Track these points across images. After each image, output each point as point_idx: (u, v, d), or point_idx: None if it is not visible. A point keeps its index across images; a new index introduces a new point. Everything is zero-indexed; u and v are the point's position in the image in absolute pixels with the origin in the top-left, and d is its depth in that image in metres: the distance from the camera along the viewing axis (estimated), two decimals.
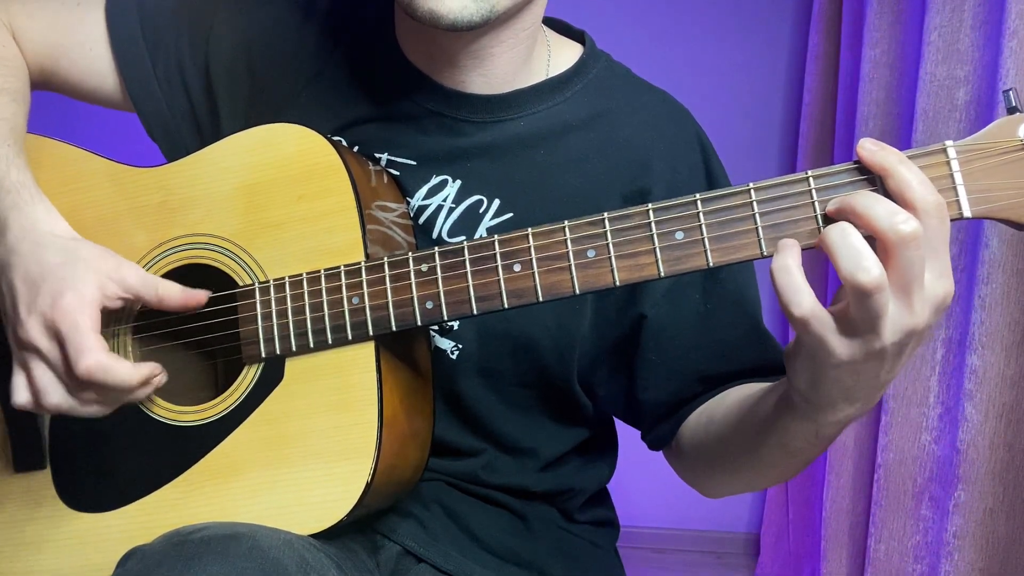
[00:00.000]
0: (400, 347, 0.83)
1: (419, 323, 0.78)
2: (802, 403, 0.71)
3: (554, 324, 0.90)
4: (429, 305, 0.77)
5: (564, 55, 0.95)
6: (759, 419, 0.79)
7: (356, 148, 0.93)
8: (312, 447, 0.80)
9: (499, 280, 0.75)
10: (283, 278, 0.82)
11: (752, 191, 0.68)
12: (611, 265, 0.71)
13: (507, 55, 0.89)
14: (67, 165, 0.93)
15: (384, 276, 0.79)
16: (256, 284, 0.83)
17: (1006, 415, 1.47)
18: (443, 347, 0.90)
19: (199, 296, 0.84)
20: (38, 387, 0.79)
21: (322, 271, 0.81)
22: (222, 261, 0.86)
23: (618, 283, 0.71)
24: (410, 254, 0.78)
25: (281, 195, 0.84)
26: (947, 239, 0.63)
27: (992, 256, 1.43)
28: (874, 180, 0.65)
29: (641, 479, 2.00)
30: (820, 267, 2.04)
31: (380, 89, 0.93)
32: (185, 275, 0.87)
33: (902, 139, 1.77)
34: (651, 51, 2.38)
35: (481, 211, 0.90)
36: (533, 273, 0.74)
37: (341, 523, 0.78)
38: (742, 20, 2.47)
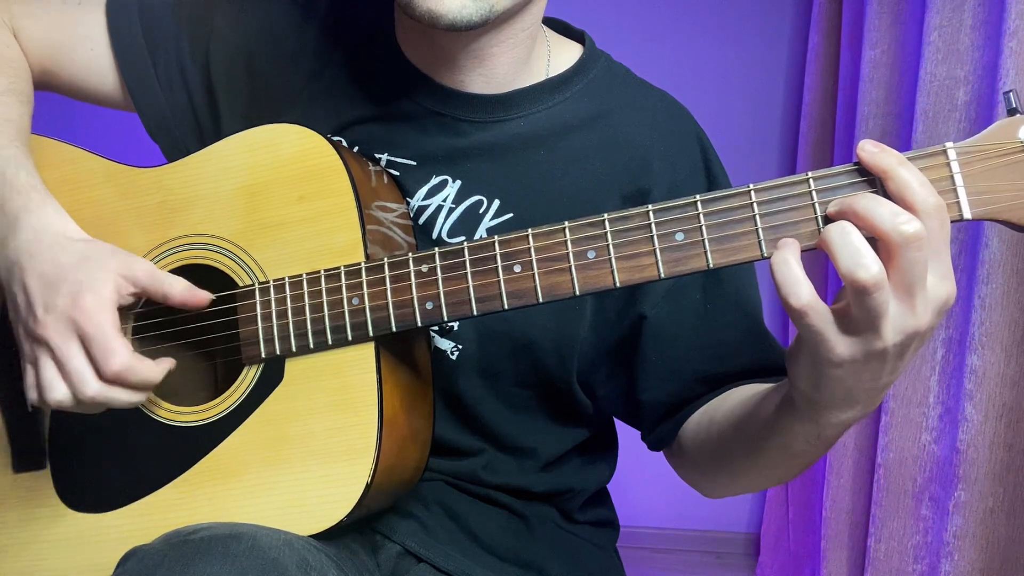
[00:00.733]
0: (400, 348, 0.83)
1: (419, 324, 0.78)
2: (804, 404, 0.71)
3: (554, 325, 0.90)
4: (429, 306, 0.77)
5: (564, 55, 0.95)
6: (761, 420, 0.79)
7: (356, 148, 0.93)
8: (312, 448, 0.80)
9: (499, 281, 0.75)
10: (283, 279, 0.82)
11: (752, 192, 0.68)
12: (611, 266, 0.71)
13: (507, 55, 0.89)
14: (67, 165, 0.93)
15: (384, 277, 0.79)
16: (256, 285, 0.83)
17: (1006, 415, 1.47)
18: (443, 348, 0.90)
19: (202, 296, 0.84)
20: (43, 382, 0.79)
21: (322, 272, 0.81)
22: (222, 261, 0.86)
23: (618, 284, 0.71)
24: (410, 255, 0.78)
25: (281, 195, 0.84)
26: (948, 240, 0.63)
27: (992, 256, 1.43)
28: (874, 182, 0.65)
29: (641, 479, 2.00)
30: (820, 267, 2.04)
31: (380, 89, 0.93)
32: (185, 275, 0.87)
33: (902, 139, 1.77)
34: (651, 51, 2.38)
35: (481, 211, 0.90)
36: (533, 274, 0.74)
37: (341, 523, 0.78)
38: (742, 20, 2.46)
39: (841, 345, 0.64)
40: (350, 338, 0.79)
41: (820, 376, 0.67)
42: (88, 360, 0.78)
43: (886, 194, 0.64)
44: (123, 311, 0.87)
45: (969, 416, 1.48)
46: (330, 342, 0.80)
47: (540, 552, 0.96)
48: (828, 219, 0.66)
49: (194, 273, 0.87)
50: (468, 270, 0.76)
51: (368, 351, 0.80)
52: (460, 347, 0.90)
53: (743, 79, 2.47)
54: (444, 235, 0.90)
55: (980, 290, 1.45)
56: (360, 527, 0.90)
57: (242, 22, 0.96)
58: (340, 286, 0.80)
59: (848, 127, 2.02)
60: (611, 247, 0.71)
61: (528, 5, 0.86)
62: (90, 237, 0.84)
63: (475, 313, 0.76)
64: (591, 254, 0.72)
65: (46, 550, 0.87)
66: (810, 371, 0.68)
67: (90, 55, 0.99)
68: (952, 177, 0.64)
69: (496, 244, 0.75)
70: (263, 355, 0.82)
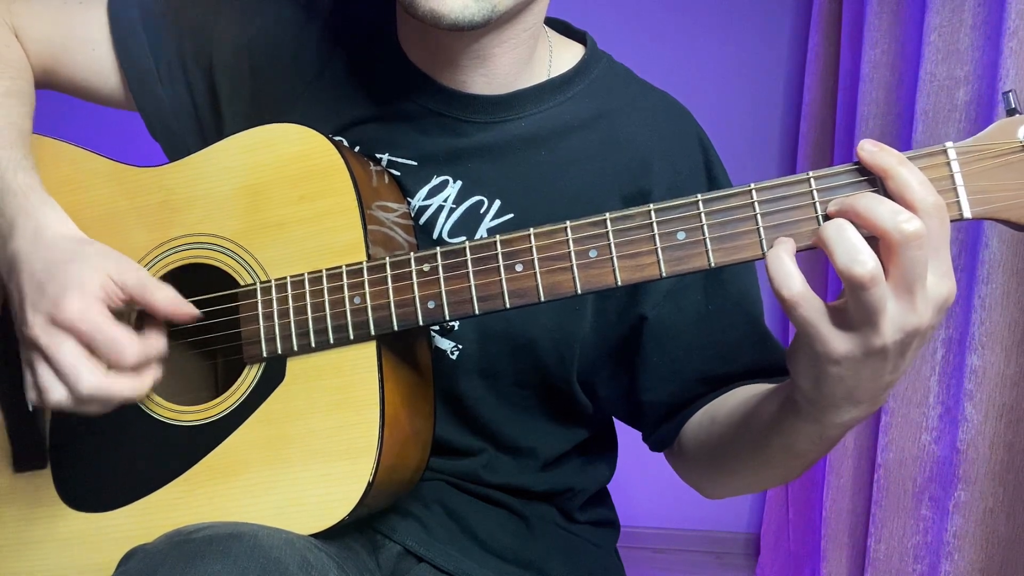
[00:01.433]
0: (401, 347, 0.83)
1: (421, 323, 0.78)
2: (806, 404, 0.71)
3: (554, 325, 0.90)
4: (431, 305, 0.77)
5: (565, 55, 0.95)
6: (763, 420, 0.79)
7: (357, 148, 0.93)
8: (313, 447, 0.80)
9: (501, 280, 0.75)
10: (284, 278, 0.82)
11: (754, 191, 0.68)
12: (613, 265, 0.71)
13: (508, 55, 0.89)
14: (67, 164, 0.93)
15: (386, 276, 0.79)
16: (257, 284, 0.83)
17: (1006, 415, 1.47)
18: (443, 347, 0.91)
19: (189, 310, 0.83)
20: (41, 385, 0.79)
21: (324, 271, 0.81)
22: (223, 261, 0.86)
23: (620, 283, 0.71)
24: (412, 254, 0.78)
25: (282, 195, 0.84)
26: (948, 239, 0.63)
27: (992, 256, 1.43)
28: (875, 181, 0.65)
29: (641, 479, 2.01)
30: (821, 267, 2.04)
31: (381, 89, 0.93)
32: (186, 275, 0.87)
33: (902, 139, 1.77)
34: (651, 51, 2.38)
35: (482, 211, 0.90)
36: (535, 273, 0.74)
37: (342, 523, 0.78)
38: (742, 20, 2.47)
39: (837, 341, 0.64)
40: (352, 337, 0.79)
41: (820, 374, 0.67)
42: (85, 357, 0.77)
43: (886, 193, 0.64)
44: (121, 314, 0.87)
45: (969, 416, 1.48)
46: (332, 341, 0.80)
47: (540, 552, 0.96)
48: (828, 218, 0.66)
49: (195, 272, 0.87)
50: (470, 269, 0.76)
51: (370, 350, 0.80)
52: (460, 347, 0.90)
53: (743, 79, 2.47)
54: (445, 235, 0.90)
55: (980, 290, 1.45)
56: (361, 527, 0.90)
57: (244, 22, 0.96)
58: (342, 285, 0.80)
59: (848, 127, 2.02)
60: (612, 246, 0.71)
61: (530, 5, 0.86)
62: (88, 238, 0.84)
63: (477, 312, 0.76)
64: (593, 253, 0.72)
65: (47, 549, 0.87)
66: (810, 369, 0.68)
67: (92, 55, 0.99)
68: (952, 176, 0.64)
69: (498, 243, 0.75)
70: (264, 354, 0.82)
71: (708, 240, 0.69)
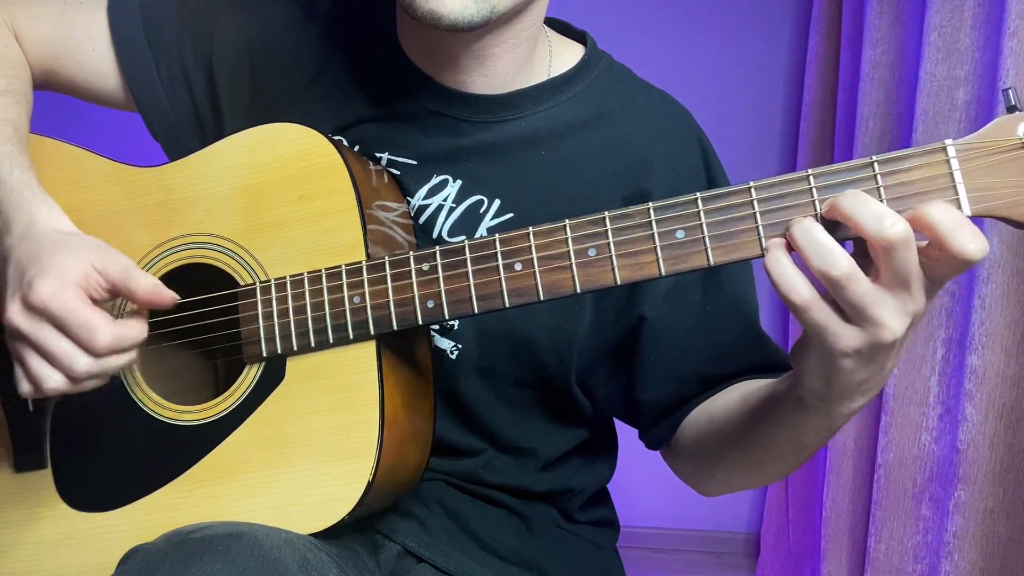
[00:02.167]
0: (401, 347, 0.83)
1: (420, 322, 0.78)
2: (815, 399, 0.71)
3: (553, 325, 0.90)
4: (430, 304, 0.77)
5: (565, 56, 0.95)
6: (768, 417, 0.80)
7: (357, 148, 0.93)
8: (313, 446, 0.80)
9: (500, 279, 0.75)
10: (284, 277, 0.82)
11: (752, 190, 0.68)
12: (612, 264, 0.71)
13: (508, 55, 0.89)
14: (68, 165, 0.93)
15: (385, 275, 0.79)
16: (257, 283, 0.83)
17: (1006, 415, 1.47)
18: (443, 347, 0.91)
19: (167, 296, 0.82)
20: (33, 374, 0.78)
21: (323, 270, 0.81)
22: (223, 260, 0.86)
23: (619, 282, 0.71)
24: (411, 253, 0.78)
25: (282, 195, 0.84)
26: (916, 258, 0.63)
27: (992, 256, 1.43)
28: (875, 179, 0.65)
29: (641, 479, 2.00)
30: None
31: (381, 89, 0.93)
32: (186, 275, 0.87)
33: (902, 139, 1.78)
34: (651, 51, 2.38)
35: (481, 211, 0.90)
36: (534, 272, 0.74)
37: (342, 522, 0.78)
38: (742, 20, 2.47)
39: (849, 336, 0.64)
40: (351, 336, 0.79)
41: (832, 369, 0.67)
42: (69, 340, 0.77)
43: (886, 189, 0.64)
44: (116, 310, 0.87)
45: (969, 416, 1.48)
46: (331, 340, 0.80)
47: (540, 552, 0.96)
48: (826, 218, 0.66)
49: (195, 272, 0.87)
50: (469, 268, 0.76)
51: (369, 349, 0.80)
52: (460, 346, 0.90)
53: (743, 79, 2.47)
54: (444, 234, 0.90)
55: (980, 290, 1.45)
56: (360, 527, 0.90)
57: (244, 21, 0.96)
58: (341, 284, 0.80)
59: (848, 127, 2.02)
60: (612, 245, 0.71)
61: (530, 5, 0.86)
62: (80, 232, 0.83)
63: (476, 311, 0.76)
64: (592, 252, 0.72)
65: (47, 549, 0.87)
66: (820, 366, 0.68)
67: (92, 55, 0.99)
68: (951, 174, 0.64)
69: (497, 242, 0.75)
70: (264, 354, 0.82)
71: (707, 239, 0.69)
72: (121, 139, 1.45)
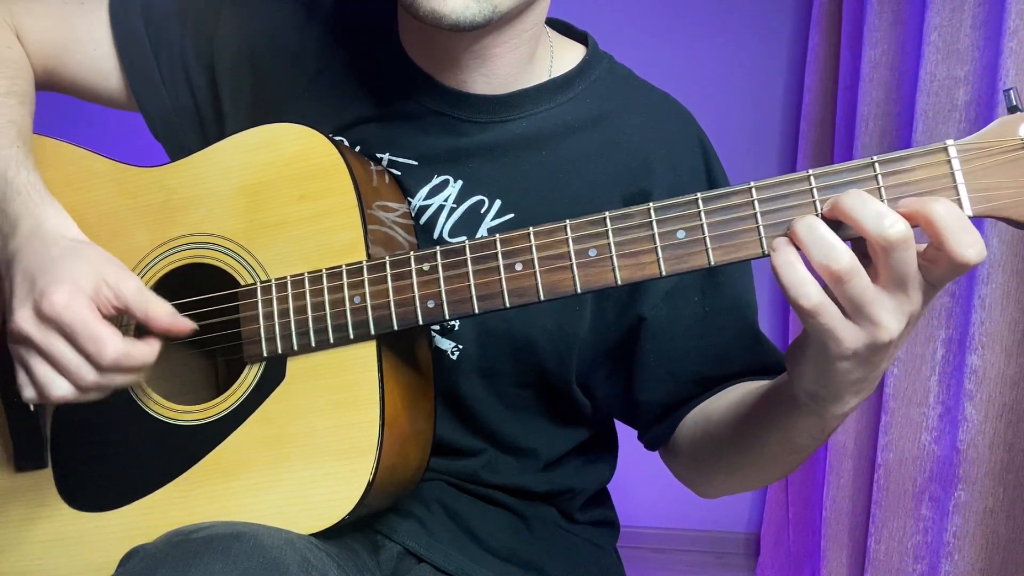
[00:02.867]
0: (401, 347, 0.83)
1: (421, 322, 0.78)
2: (809, 400, 0.71)
3: (553, 326, 0.90)
4: (431, 304, 0.77)
5: (567, 56, 0.95)
6: (761, 419, 0.80)
7: (358, 148, 0.93)
8: (314, 446, 0.80)
9: (501, 279, 0.75)
10: (285, 277, 0.82)
11: (753, 190, 0.68)
12: (612, 264, 0.71)
13: (510, 55, 0.89)
14: (69, 165, 0.93)
15: (386, 275, 0.79)
16: (258, 283, 0.83)
17: (1006, 415, 1.47)
18: (443, 347, 0.91)
19: (185, 325, 0.83)
20: (39, 381, 0.79)
21: (324, 270, 0.81)
22: (224, 260, 0.86)
23: (619, 282, 0.71)
24: (412, 253, 0.78)
25: (283, 195, 0.84)
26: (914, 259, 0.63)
27: (992, 256, 1.43)
28: (876, 179, 0.65)
29: (641, 479, 2.00)
30: None
31: (382, 89, 0.93)
32: (187, 275, 0.87)
33: (902, 139, 1.78)
34: (651, 51, 2.38)
35: (482, 211, 0.90)
36: (535, 272, 0.74)
37: (342, 522, 0.78)
38: (742, 20, 2.47)
39: (851, 337, 0.64)
40: (352, 336, 0.79)
41: (828, 371, 0.67)
42: (76, 351, 0.77)
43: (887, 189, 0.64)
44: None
45: (969, 416, 1.49)
46: (332, 340, 0.80)
47: (540, 552, 0.96)
48: (826, 218, 0.66)
49: (196, 272, 0.87)
50: (470, 268, 0.76)
51: (370, 349, 0.80)
52: (460, 347, 0.90)
53: (743, 79, 2.47)
54: (445, 235, 0.90)
55: (980, 290, 1.45)
56: (361, 527, 0.90)
57: (246, 21, 0.97)
58: (342, 284, 0.80)
59: (848, 127, 2.02)
60: (612, 245, 0.71)
61: (531, 5, 0.86)
62: (88, 239, 0.84)
63: (476, 311, 0.76)
64: (592, 252, 0.72)
65: (47, 549, 0.87)
66: (817, 369, 0.68)
67: (93, 55, 0.99)
68: (953, 174, 0.64)
69: (497, 242, 0.75)
70: (265, 354, 0.82)
71: (708, 239, 0.69)
72: (121, 139, 1.45)
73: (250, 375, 0.83)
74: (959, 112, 1.56)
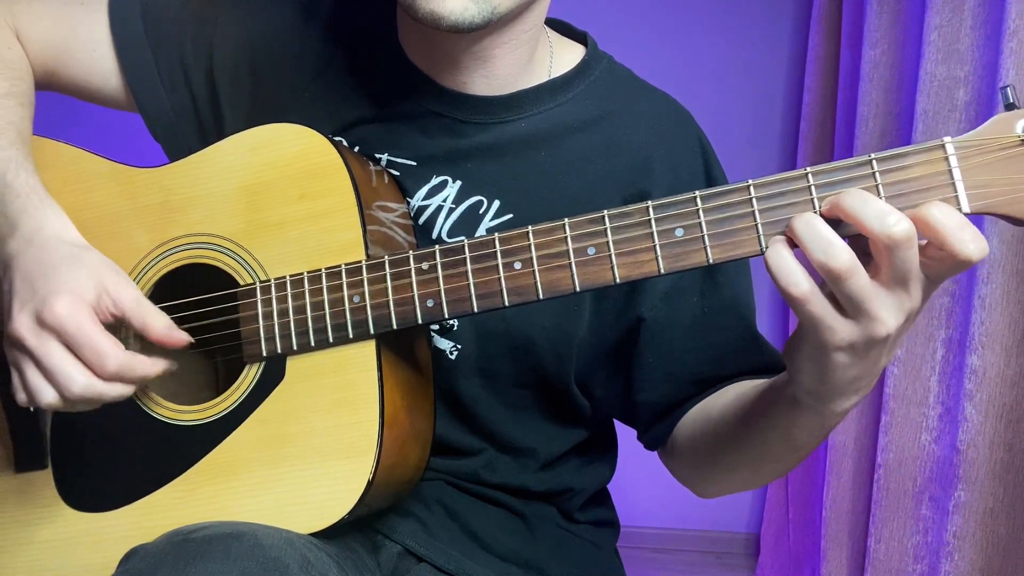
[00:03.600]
0: (401, 346, 0.83)
1: (420, 321, 0.78)
2: (807, 397, 0.71)
3: (552, 325, 0.90)
4: (430, 303, 0.77)
5: (566, 56, 0.95)
6: (760, 418, 0.80)
7: (357, 148, 0.93)
8: (313, 446, 0.80)
9: (500, 278, 0.75)
10: (284, 277, 0.82)
11: (752, 188, 0.68)
12: (611, 262, 0.71)
13: (509, 56, 0.89)
14: (68, 165, 0.93)
15: (385, 275, 0.79)
16: (257, 283, 0.84)
17: (1006, 415, 1.47)
18: (442, 347, 0.91)
19: (181, 338, 0.83)
20: (30, 387, 0.79)
21: (323, 270, 0.81)
22: (223, 261, 0.86)
23: (618, 280, 0.71)
24: (411, 252, 0.78)
25: (282, 195, 0.84)
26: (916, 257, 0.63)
27: (992, 256, 1.43)
28: (874, 176, 0.65)
29: (641, 479, 2.00)
30: None
31: (381, 90, 0.93)
32: (187, 275, 0.87)
33: (902, 139, 1.78)
34: (651, 51, 2.39)
35: (481, 212, 0.90)
36: (534, 271, 0.74)
37: (342, 522, 0.78)
38: (742, 20, 2.47)
39: (845, 329, 0.64)
40: (351, 336, 0.79)
41: (825, 365, 0.67)
42: (72, 359, 0.77)
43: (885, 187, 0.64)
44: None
45: (969, 416, 1.49)
46: (331, 340, 0.80)
47: (540, 552, 0.96)
48: (825, 215, 0.66)
49: (195, 272, 0.87)
50: (469, 267, 0.76)
51: (369, 349, 0.80)
52: (459, 347, 0.90)
53: (743, 79, 2.47)
54: (444, 235, 0.91)
55: (980, 290, 1.45)
56: (361, 526, 0.90)
57: (245, 22, 0.97)
58: (341, 284, 0.80)
59: (848, 127, 2.02)
60: (611, 243, 0.71)
61: (530, 6, 0.86)
62: (87, 244, 0.84)
63: (475, 310, 0.76)
64: (591, 250, 0.72)
65: (47, 549, 0.87)
66: (813, 362, 0.68)
67: (93, 56, 0.99)
68: (950, 171, 0.64)
69: (496, 241, 0.75)
70: (264, 353, 0.82)
71: (706, 237, 0.69)
72: (121, 139, 1.45)
73: (249, 375, 0.83)
74: (959, 112, 1.57)
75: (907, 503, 1.68)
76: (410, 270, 0.78)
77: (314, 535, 0.79)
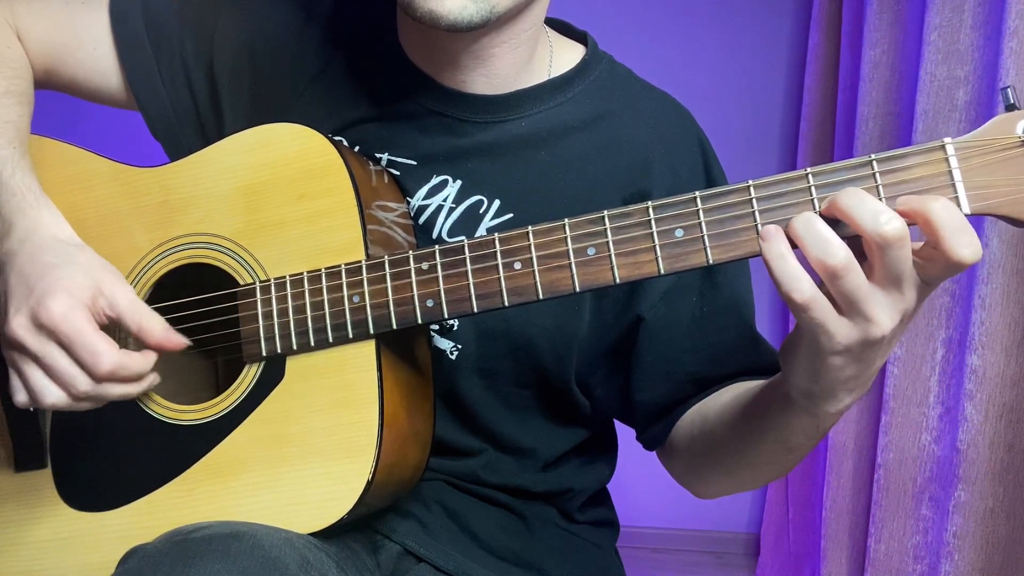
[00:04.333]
0: (400, 346, 0.83)
1: (420, 321, 0.78)
2: (802, 398, 0.71)
3: (552, 325, 0.90)
4: (430, 303, 0.77)
5: (566, 56, 0.95)
6: (757, 418, 0.80)
7: (357, 148, 0.93)
8: (313, 445, 0.80)
9: (499, 278, 0.75)
10: (284, 277, 0.82)
11: (751, 188, 0.68)
12: (611, 263, 0.71)
13: (508, 55, 0.89)
14: (68, 165, 0.93)
15: (385, 274, 0.79)
16: (257, 283, 0.84)
17: (1006, 415, 1.47)
18: (442, 347, 0.91)
19: (177, 341, 0.83)
20: (33, 387, 0.79)
21: (323, 270, 0.81)
22: (223, 260, 0.86)
23: (618, 280, 0.71)
24: (411, 252, 0.78)
25: (282, 194, 0.84)
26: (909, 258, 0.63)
27: (992, 256, 1.43)
28: (874, 177, 0.65)
29: (641, 479, 2.00)
30: None
31: (381, 89, 0.93)
32: (186, 274, 0.87)
33: (902, 139, 1.78)
34: (651, 51, 2.38)
35: (481, 211, 0.90)
36: (533, 271, 0.74)
37: (342, 522, 0.78)
38: (742, 20, 2.47)
39: (843, 332, 0.64)
40: (351, 336, 0.79)
41: (820, 367, 0.67)
42: (71, 360, 0.78)
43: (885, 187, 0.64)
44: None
45: (969, 416, 1.48)
46: (331, 340, 0.80)
47: (540, 552, 0.96)
48: (824, 215, 0.66)
49: (195, 272, 0.87)
50: (468, 267, 0.76)
51: (369, 349, 0.80)
52: (459, 347, 0.90)
53: (743, 79, 2.47)
54: (444, 235, 0.91)
55: (980, 290, 1.45)
56: (360, 526, 0.90)
57: (245, 21, 0.97)
58: (341, 284, 0.80)
59: (848, 127, 2.02)
60: (611, 244, 0.71)
61: (530, 5, 0.86)
62: (82, 244, 0.84)
63: (475, 310, 0.76)
64: (591, 251, 0.72)
65: (47, 549, 0.87)
66: (809, 363, 0.68)
67: (93, 55, 0.99)
68: (950, 172, 0.64)
69: (496, 241, 0.75)
70: (264, 353, 0.82)
71: (706, 237, 0.69)
72: (121, 139, 1.45)
73: (249, 375, 0.83)
74: (959, 112, 1.56)
75: (907, 503, 1.68)
76: (410, 270, 0.78)
77: (314, 535, 0.79)
